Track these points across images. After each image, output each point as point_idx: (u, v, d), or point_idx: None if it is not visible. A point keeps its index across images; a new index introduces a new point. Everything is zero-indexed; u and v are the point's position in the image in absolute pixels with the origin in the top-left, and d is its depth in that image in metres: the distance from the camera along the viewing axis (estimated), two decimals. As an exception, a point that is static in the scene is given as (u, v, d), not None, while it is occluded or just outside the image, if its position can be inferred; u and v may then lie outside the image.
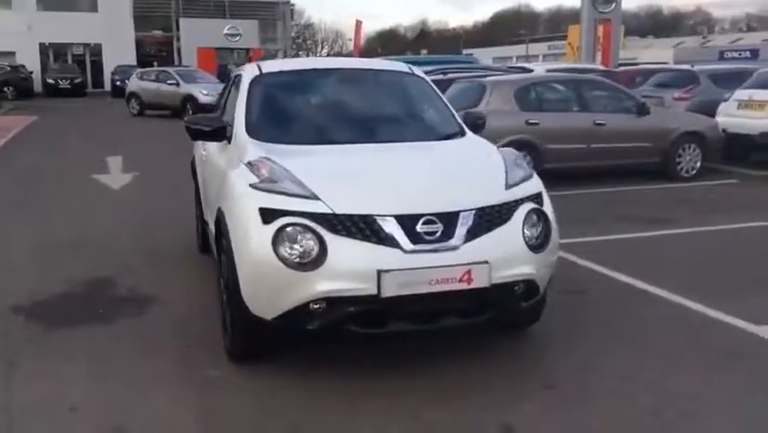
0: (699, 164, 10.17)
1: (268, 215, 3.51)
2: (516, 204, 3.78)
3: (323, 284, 3.40)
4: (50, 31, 38.13)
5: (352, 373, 3.84)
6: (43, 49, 39.35)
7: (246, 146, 4.23)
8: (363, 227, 3.46)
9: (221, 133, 4.55)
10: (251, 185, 3.68)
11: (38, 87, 36.10)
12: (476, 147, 4.45)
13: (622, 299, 5.08)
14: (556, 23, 78.41)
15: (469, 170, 4.05)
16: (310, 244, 3.42)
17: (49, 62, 39.03)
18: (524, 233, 3.72)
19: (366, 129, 4.56)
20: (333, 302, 3.44)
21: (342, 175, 3.83)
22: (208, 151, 5.11)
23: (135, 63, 37.46)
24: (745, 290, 5.17)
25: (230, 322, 3.84)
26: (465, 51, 71.75)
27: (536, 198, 3.92)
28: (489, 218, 3.65)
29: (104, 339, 4.31)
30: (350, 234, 3.45)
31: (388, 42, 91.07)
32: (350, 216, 3.47)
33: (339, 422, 3.33)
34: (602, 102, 10.02)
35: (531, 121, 9.37)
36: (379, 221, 3.46)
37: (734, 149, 10.82)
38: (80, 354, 4.07)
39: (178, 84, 23.08)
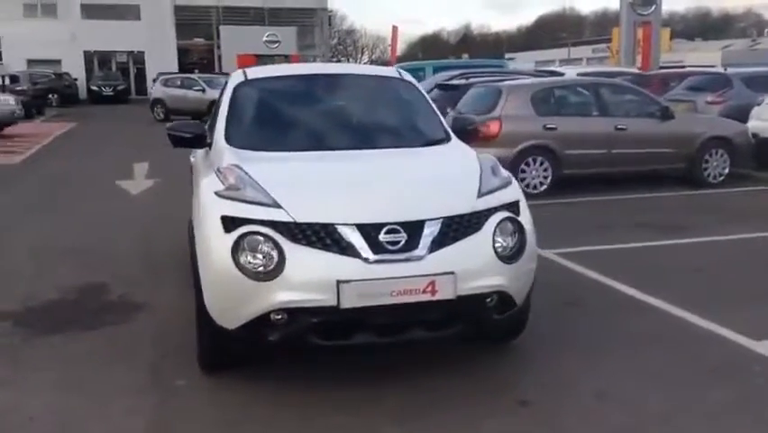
0: (726, 170, 9.83)
1: (229, 223, 3.45)
2: (487, 213, 3.64)
3: (281, 295, 3.31)
4: (95, 39, 39.05)
5: (321, 384, 3.75)
6: (88, 56, 40.31)
7: (223, 153, 4.19)
8: (324, 236, 3.37)
9: (201, 140, 4.52)
10: (215, 192, 3.63)
11: (83, 94, 37.04)
12: (454, 154, 4.31)
13: (617, 312, 4.88)
14: (602, 26, 77.26)
15: (441, 178, 3.93)
16: (269, 253, 3.35)
17: (93, 70, 39.96)
18: (495, 243, 3.58)
19: (345, 136, 4.48)
20: (293, 313, 3.35)
21: (308, 183, 3.74)
22: (196, 158, 5.09)
23: (177, 71, 38.06)
24: (748, 303, 4.93)
25: (197, 331, 3.78)
26: (507, 56, 71.23)
27: (512, 206, 3.78)
28: (456, 228, 3.52)
29: (81, 348, 4.30)
30: (310, 244, 3.36)
31: (430, 47, 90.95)
32: (310, 225, 3.38)
33: (294, 436, 3.25)
34: (624, 106, 9.76)
35: (549, 126, 9.17)
36: (341, 230, 3.37)
37: (765, 154, 10.43)
38: (54, 363, 4.06)
39: (203, 90, 23.46)
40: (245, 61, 39.19)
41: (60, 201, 9.51)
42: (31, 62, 36.66)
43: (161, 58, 38.97)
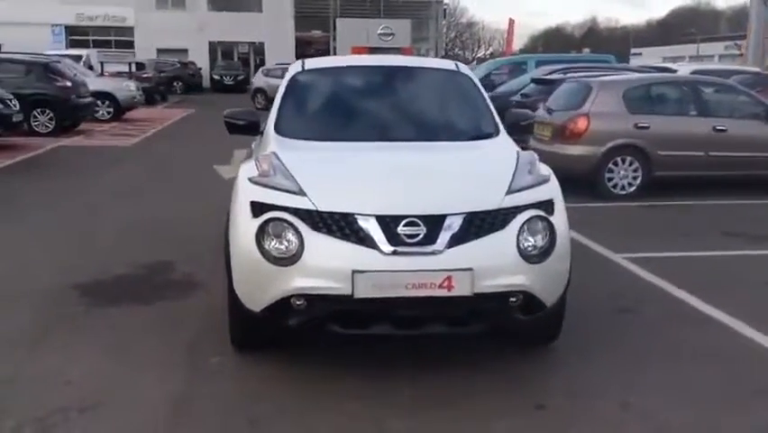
0: (841, 179, 9.07)
1: (257, 208, 3.56)
2: (515, 210, 3.56)
3: (298, 281, 3.39)
4: (219, 30, 40.80)
5: (343, 371, 3.81)
6: (212, 47, 42.17)
7: (269, 141, 4.32)
8: (343, 226, 3.42)
9: (254, 128, 4.67)
10: (249, 178, 3.76)
11: (207, 82, 38.88)
12: (494, 150, 4.24)
13: (674, 322, 4.65)
14: (738, 22, 72.78)
15: (472, 173, 3.88)
16: (291, 239, 3.43)
17: (217, 59, 41.81)
18: (519, 241, 3.50)
19: (389, 127, 4.51)
20: (312, 299, 3.42)
21: (338, 172, 3.81)
22: (253, 145, 5.26)
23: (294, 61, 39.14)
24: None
25: (228, 312, 3.92)
26: (633, 51, 68.48)
27: (544, 205, 3.67)
28: (480, 224, 3.47)
29: (134, 321, 4.55)
30: (330, 232, 3.42)
31: (552, 40, 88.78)
32: (331, 214, 3.44)
33: (300, 420, 3.31)
34: (725, 107, 9.21)
35: (640, 124, 8.78)
36: (360, 220, 3.40)
37: None
38: (105, 333, 4.33)
39: None
40: (359, 53, 39.99)
41: (156, 183, 10.06)
42: (160, 51, 38.73)
43: (280, 49, 40.16)
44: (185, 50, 39.97)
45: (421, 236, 3.40)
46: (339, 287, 3.34)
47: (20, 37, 33.52)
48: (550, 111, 9.55)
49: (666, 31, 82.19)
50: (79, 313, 4.68)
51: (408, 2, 43.02)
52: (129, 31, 41.07)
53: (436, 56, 42.46)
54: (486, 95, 4.86)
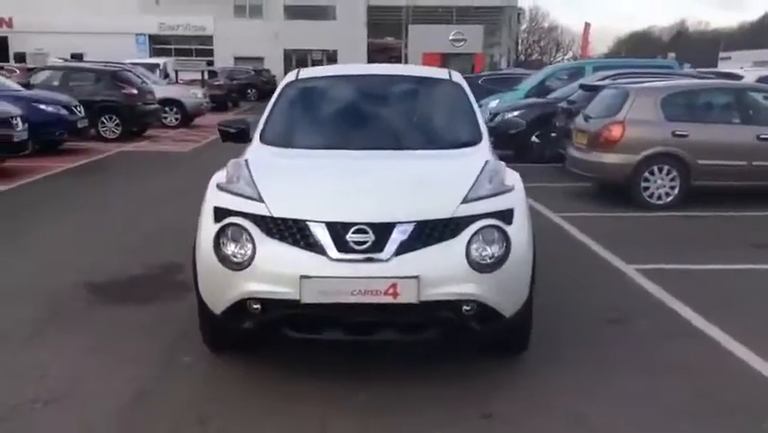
0: None
1: (219, 214, 3.70)
2: (469, 220, 3.56)
3: (250, 285, 3.51)
4: (294, 38, 41.75)
5: (306, 373, 3.90)
6: (287, 54, 43.15)
7: (250, 148, 4.47)
8: (294, 232, 3.51)
9: (244, 136, 4.82)
10: (217, 185, 3.90)
11: (281, 89, 39.76)
12: (463, 158, 4.23)
13: (662, 337, 4.52)
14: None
15: (432, 182, 3.90)
16: (245, 244, 3.55)
17: (291, 67, 42.72)
18: (469, 251, 3.50)
19: (369, 136, 4.57)
20: (265, 304, 3.53)
21: (297, 180, 3.91)
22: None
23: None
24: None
25: (198, 313, 4.07)
26: (723, 55, 65.80)
27: (502, 215, 3.65)
28: (429, 232, 3.50)
29: (129, 319, 4.76)
30: (282, 238, 3.52)
31: (638, 45, 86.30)
32: (284, 220, 3.54)
33: (248, 421, 3.42)
34: (772, 114, 8.80)
35: (679, 132, 8.50)
36: (311, 227, 3.49)
37: None
38: (97, 330, 4.55)
39: None
40: (430, 60, 40.05)
41: (201, 187, 10.39)
42: (237, 59, 39.93)
43: (352, 56, 40.67)
44: (261, 58, 41.04)
45: (369, 243, 3.45)
46: (287, 292, 3.43)
47: (106, 46, 35.30)
48: (587, 118, 9.37)
49: (760, 33, 78.60)
50: (81, 311, 4.93)
51: (481, 7, 42.84)
52: (208, 39, 42.56)
53: (509, 62, 42.13)
54: (474, 104, 4.87)
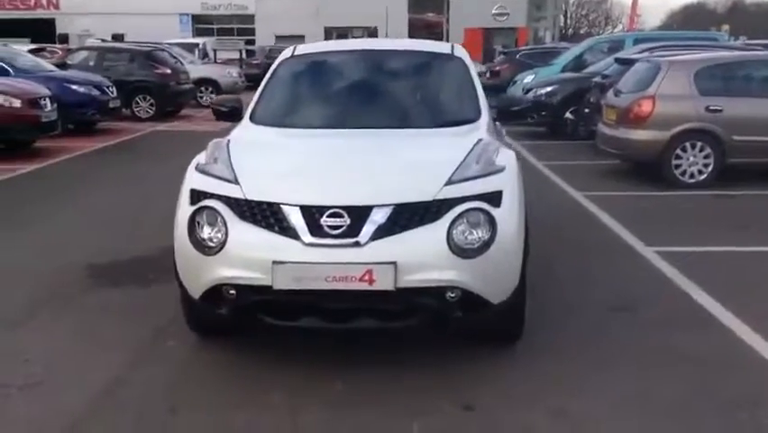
0: None
1: (195, 196, 3.59)
2: (453, 202, 3.36)
3: (223, 270, 3.39)
4: (335, 15, 41.37)
5: (286, 361, 3.77)
6: (328, 32, 42.83)
7: (238, 127, 4.34)
8: (268, 216, 3.37)
9: (236, 114, 4.69)
10: (195, 166, 3.78)
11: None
12: (455, 138, 3.99)
13: (670, 325, 4.26)
14: None
15: (416, 162, 3.70)
16: (219, 228, 3.43)
17: (331, 44, 42.48)
18: (451, 235, 3.30)
19: (361, 114, 4.41)
20: (240, 289, 3.41)
21: (275, 161, 3.77)
22: None
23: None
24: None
25: (180, 298, 3.97)
26: (780, 28, 63.06)
27: (489, 197, 3.43)
28: (409, 216, 3.32)
29: (121, 302, 4.69)
30: (255, 222, 3.39)
31: (692, 18, 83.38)
32: (258, 203, 3.40)
33: (219, 409, 3.31)
34: (814, 87, 8.29)
35: (713, 107, 8.07)
36: (285, 210, 3.35)
37: None
38: (89, 314, 4.50)
39: None
40: (472, 35, 39.45)
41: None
42: (278, 38, 39.80)
43: (392, 33, 40.15)
44: (302, 37, 40.73)
45: (344, 228, 3.29)
46: (259, 277, 3.30)
47: (150, 26, 35.60)
48: (618, 93, 8.99)
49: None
50: (76, 294, 4.89)
51: (526, -21, 41.84)
52: (250, 18, 42.55)
53: (554, 36, 41.17)
54: (476, 79, 4.63)
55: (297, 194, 3.37)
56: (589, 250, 5.87)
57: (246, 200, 3.41)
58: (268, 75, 4.77)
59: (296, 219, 3.31)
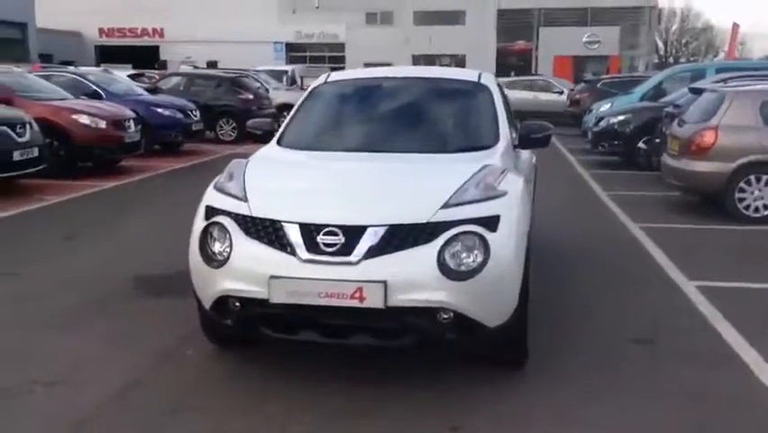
0: None
1: (209, 212, 3.81)
2: (447, 225, 3.44)
3: (225, 283, 3.58)
4: (423, 43, 41.96)
5: (293, 374, 3.92)
6: (416, 60, 43.41)
7: (263, 149, 4.57)
8: (270, 232, 3.54)
9: (268, 137, 4.91)
10: (214, 184, 4.01)
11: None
12: (465, 162, 4.02)
13: (688, 360, 4.15)
14: None
15: (417, 185, 3.79)
16: (225, 242, 3.63)
17: (419, 72, 43.02)
18: (442, 257, 3.37)
19: (379, 139, 4.54)
20: (243, 302, 3.58)
21: (284, 181, 3.95)
22: None
23: (494, 74, 39.15)
24: None
25: (197, 308, 4.18)
26: None
27: (485, 221, 3.49)
28: (403, 237, 3.42)
29: (158, 312, 4.97)
30: (258, 238, 3.56)
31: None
32: (262, 220, 3.58)
33: (216, 417, 3.48)
34: None
35: (780, 140, 7.76)
36: (286, 227, 3.51)
37: None
38: (126, 321, 4.78)
39: (561, 92, 22.88)
40: (561, 63, 39.06)
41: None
42: (367, 65, 40.66)
43: (480, 61, 40.30)
44: (389, 64, 41.53)
45: (339, 246, 3.42)
46: (258, 291, 3.47)
47: (247, 54, 37.15)
48: (681, 123, 8.77)
49: None
50: (120, 301, 5.21)
51: (617, 8, 41.08)
52: (340, 47, 43.72)
53: (647, 65, 40.19)
54: (499, 107, 4.68)
55: (297, 212, 3.53)
56: (629, 282, 5.76)
57: (251, 217, 3.60)
58: (301, 99, 4.99)
59: (294, 236, 3.47)
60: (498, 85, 5.53)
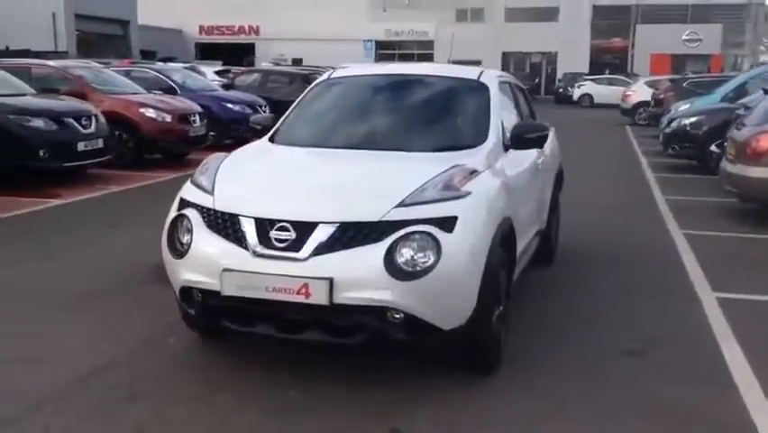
0: None
1: (180, 204, 3.91)
2: (398, 225, 3.38)
3: (185, 273, 3.67)
4: (514, 40, 41.37)
5: (260, 364, 3.96)
6: (506, 57, 42.85)
7: (251, 143, 4.65)
8: (228, 226, 3.59)
9: (268, 132, 4.97)
10: (191, 177, 4.10)
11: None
12: (437, 161, 3.90)
13: (676, 374, 3.94)
14: None
15: (377, 183, 3.74)
16: (188, 234, 3.71)
17: (508, 70, 42.36)
18: (390, 256, 3.32)
19: (358, 135, 4.53)
20: (204, 294, 3.66)
21: (251, 175, 3.99)
22: None
23: (587, 71, 38.10)
24: None
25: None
26: None
27: (441, 222, 3.41)
28: (352, 235, 3.39)
29: (154, 300, 5.05)
30: (218, 231, 3.62)
31: None
32: (222, 213, 3.64)
33: (172, 403, 3.55)
34: None
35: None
36: (242, 221, 3.55)
37: None
38: (128, 307, 4.95)
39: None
40: (659, 61, 37.53)
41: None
42: (454, 62, 40.34)
43: (573, 58, 39.41)
44: (478, 62, 41.10)
45: (290, 241, 3.43)
46: (211, 283, 3.53)
47: (337, 52, 37.72)
48: (739, 127, 8.26)
49: None
50: (131, 288, 5.39)
51: (721, 4, 39.05)
52: (429, 44, 43.64)
53: (752, 65, 38.03)
54: (494, 106, 4.53)
55: (252, 207, 3.57)
56: (647, 289, 5.49)
57: (214, 210, 3.67)
58: (301, 96, 5.03)
59: (249, 230, 3.50)
60: (509, 83, 5.39)
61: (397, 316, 3.37)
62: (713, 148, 11.69)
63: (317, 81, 5.16)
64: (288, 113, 4.95)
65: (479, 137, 4.32)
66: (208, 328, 4.16)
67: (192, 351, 4.24)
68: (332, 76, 5.19)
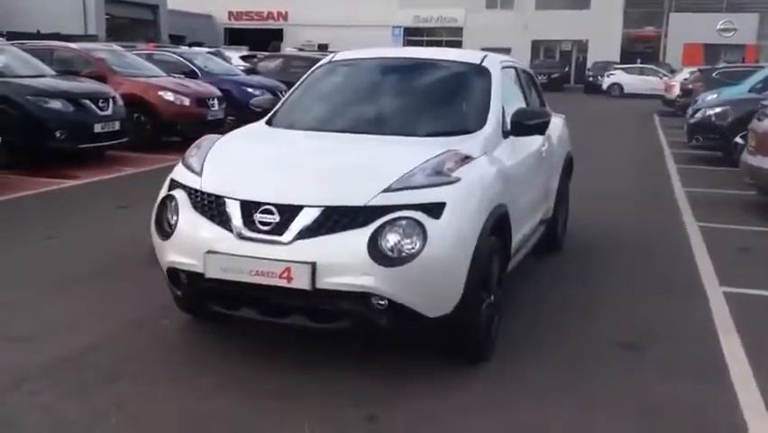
0: None
1: (170, 184, 3.89)
2: (384, 210, 3.32)
3: (170, 255, 3.65)
4: (544, 28, 40.84)
5: (248, 349, 3.93)
6: (535, 45, 42.34)
7: (248, 126, 4.62)
8: (214, 207, 3.56)
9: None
10: (182, 158, 4.08)
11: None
12: (431, 146, 3.82)
13: (668, 370, 3.83)
14: None
15: (366, 168, 3.66)
16: (175, 215, 3.68)
17: (539, 58, 41.86)
18: (374, 241, 3.26)
19: (355, 119, 4.46)
20: (189, 275, 3.63)
21: (242, 158, 3.94)
22: None
23: (619, 60, 37.50)
24: None
25: (166, 279, 4.25)
26: None
27: (428, 208, 3.34)
28: (337, 219, 3.34)
29: (158, 281, 5.07)
30: (203, 213, 3.60)
31: None
32: (209, 195, 3.60)
33: (153, 382, 3.54)
34: None
35: None
36: (228, 203, 3.52)
37: None
38: (123, 287, 4.96)
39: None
40: (692, 51, 36.80)
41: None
42: (484, 50, 40.04)
43: (604, 46, 38.79)
44: (508, 49, 40.67)
45: (274, 225, 3.38)
46: (195, 265, 3.51)
47: (366, 37, 37.53)
48: (761, 118, 8.02)
49: None
50: (131, 269, 5.39)
51: (760, -7, 38.19)
52: (458, 31, 43.31)
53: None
54: (495, 91, 4.42)
55: (238, 189, 3.53)
56: (653, 281, 5.37)
57: (201, 191, 3.64)
58: (302, 79, 4.97)
59: (234, 213, 3.47)
60: (515, 69, 5.28)
61: (381, 302, 3.32)
62: (738, 139, 11.40)
63: (318, 65, 5.09)
64: (286, 96, 4.89)
65: (477, 123, 4.22)
66: (197, 310, 4.15)
67: (182, 332, 4.23)
68: (333, 59, 5.11)
